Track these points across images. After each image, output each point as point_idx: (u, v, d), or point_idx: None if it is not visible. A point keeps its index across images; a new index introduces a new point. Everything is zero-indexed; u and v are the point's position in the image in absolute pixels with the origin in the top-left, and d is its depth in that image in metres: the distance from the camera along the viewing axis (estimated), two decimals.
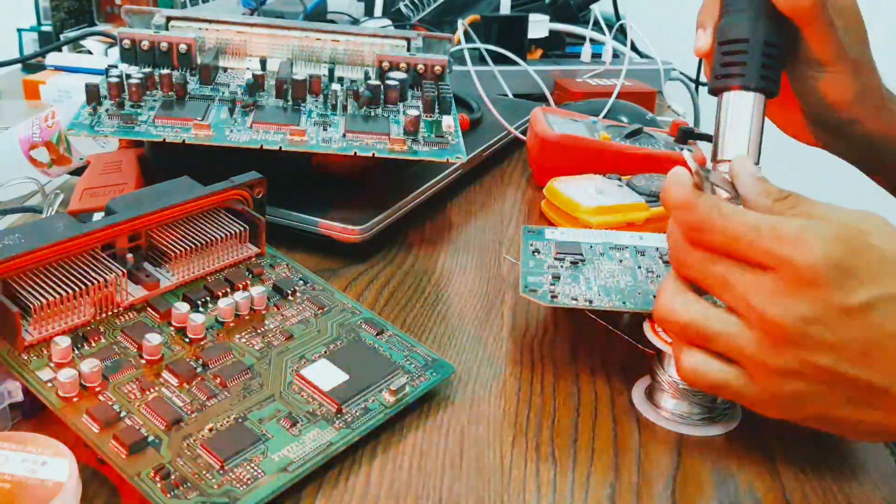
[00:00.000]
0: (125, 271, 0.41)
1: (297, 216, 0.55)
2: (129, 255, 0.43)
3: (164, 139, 0.52)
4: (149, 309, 0.42)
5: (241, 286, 0.44)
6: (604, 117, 0.77)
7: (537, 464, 0.38)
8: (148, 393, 0.37)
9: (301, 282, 0.46)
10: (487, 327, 0.50)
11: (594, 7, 1.09)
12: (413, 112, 0.55)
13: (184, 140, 0.52)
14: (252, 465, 0.35)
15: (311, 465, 0.35)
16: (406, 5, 1.14)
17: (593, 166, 0.67)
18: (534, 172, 0.72)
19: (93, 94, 0.54)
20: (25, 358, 0.37)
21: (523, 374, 0.45)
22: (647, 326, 0.42)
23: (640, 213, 0.60)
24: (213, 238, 0.45)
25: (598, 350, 0.47)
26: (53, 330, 0.39)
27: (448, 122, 0.57)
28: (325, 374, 0.40)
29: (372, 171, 0.59)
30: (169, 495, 0.33)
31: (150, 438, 0.35)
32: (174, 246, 0.43)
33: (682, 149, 0.70)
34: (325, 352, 0.42)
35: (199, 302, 0.43)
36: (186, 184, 0.47)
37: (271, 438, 0.36)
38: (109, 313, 0.41)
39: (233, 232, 0.45)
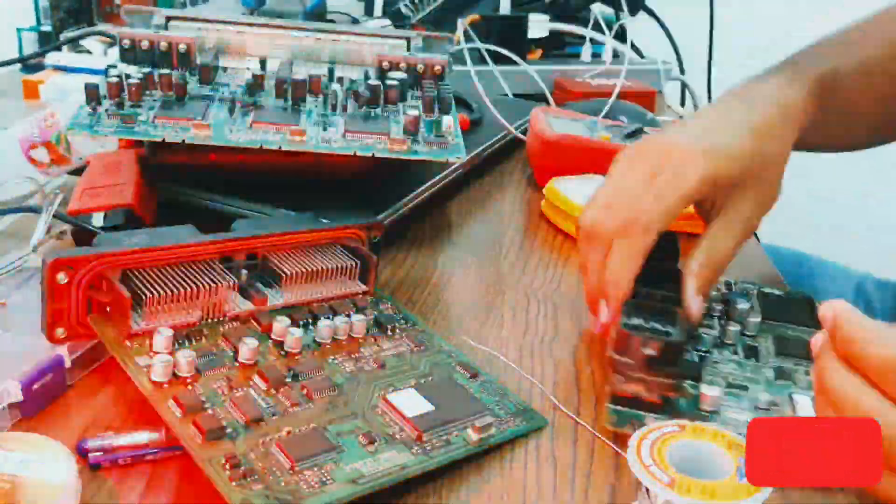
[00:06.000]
0: (237, 284, 0.43)
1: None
2: (244, 271, 0.45)
3: (164, 139, 0.52)
4: (252, 321, 0.43)
5: (344, 315, 0.45)
6: (604, 117, 0.77)
7: (537, 464, 0.38)
8: (235, 391, 0.38)
9: (403, 321, 0.47)
10: (487, 327, 0.49)
11: (594, 7, 1.09)
12: (413, 112, 0.55)
13: (183, 140, 0.52)
14: (322, 471, 0.35)
15: (382, 482, 0.35)
16: (406, 5, 1.14)
17: (593, 166, 0.67)
18: (534, 172, 0.72)
19: (92, 94, 0.54)
20: (129, 344, 0.39)
21: (523, 374, 0.45)
22: (633, 459, 0.33)
23: None
24: (325, 268, 0.46)
25: (597, 350, 0.47)
26: (161, 324, 0.40)
27: (448, 121, 0.57)
28: (411, 402, 0.40)
29: (372, 171, 0.59)
30: (234, 483, 0.33)
31: (229, 430, 0.36)
32: (287, 269, 0.45)
33: None
34: (415, 384, 0.42)
35: (300, 322, 0.44)
36: (308, 218, 0.51)
37: (346, 451, 0.36)
38: (215, 320, 0.42)
39: (344, 266, 0.47)
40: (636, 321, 0.43)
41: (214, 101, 0.57)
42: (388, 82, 0.60)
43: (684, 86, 1.07)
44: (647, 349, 0.40)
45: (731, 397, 0.43)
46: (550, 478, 0.38)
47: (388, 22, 1.13)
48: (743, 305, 0.49)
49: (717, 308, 0.51)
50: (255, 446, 0.35)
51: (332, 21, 1.15)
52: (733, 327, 0.48)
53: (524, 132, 0.76)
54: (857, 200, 1.78)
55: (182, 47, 0.60)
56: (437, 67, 0.63)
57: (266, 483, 0.34)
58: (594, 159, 0.68)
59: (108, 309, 0.40)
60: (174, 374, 0.38)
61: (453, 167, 0.65)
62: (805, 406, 0.42)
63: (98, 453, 0.36)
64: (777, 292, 0.54)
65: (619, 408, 0.41)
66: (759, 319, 0.49)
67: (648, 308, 0.44)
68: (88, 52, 0.93)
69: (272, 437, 0.36)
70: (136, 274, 0.41)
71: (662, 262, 0.47)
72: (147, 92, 0.56)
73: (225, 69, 0.63)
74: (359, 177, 0.59)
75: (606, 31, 0.99)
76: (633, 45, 1.05)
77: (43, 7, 0.99)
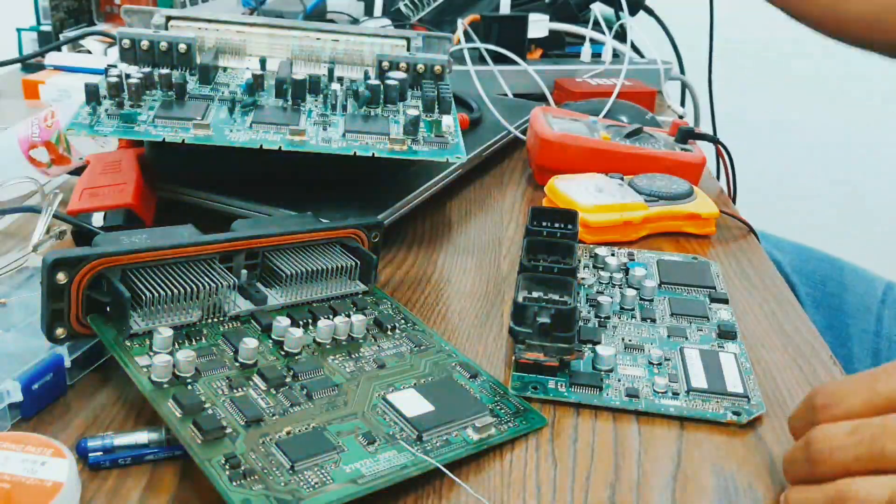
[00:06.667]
0: (237, 284, 0.44)
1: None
2: (244, 271, 0.45)
3: (164, 139, 0.52)
4: (252, 321, 0.43)
5: (343, 314, 0.45)
6: (604, 117, 0.77)
7: (537, 464, 0.38)
8: (235, 391, 0.38)
9: (402, 321, 0.47)
10: (487, 327, 0.50)
11: (594, 7, 1.09)
12: (413, 112, 0.55)
13: (183, 140, 0.52)
14: (322, 471, 0.35)
15: (382, 482, 0.35)
16: (406, 5, 1.14)
17: (593, 166, 0.67)
18: (534, 172, 0.72)
19: (92, 94, 0.54)
20: (129, 344, 0.39)
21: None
22: None
23: (637, 212, 0.61)
24: (325, 268, 0.46)
25: None
26: (160, 324, 0.40)
27: (448, 121, 0.57)
28: (411, 403, 0.40)
29: (371, 171, 0.59)
30: (234, 483, 0.33)
31: (228, 430, 0.36)
32: (287, 269, 0.45)
33: (682, 148, 0.70)
34: (415, 384, 0.42)
35: (300, 322, 0.44)
36: (308, 218, 0.50)
37: (346, 451, 0.36)
38: (214, 319, 0.43)
39: (344, 266, 0.47)
40: (534, 294, 0.46)
41: (214, 101, 0.57)
42: (388, 82, 0.60)
43: (684, 86, 1.07)
44: (542, 317, 0.43)
45: (627, 356, 0.46)
46: (550, 478, 0.38)
47: (388, 22, 1.13)
48: (640, 272, 0.54)
49: (617, 277, 0.54)
50: (255, 446, 0.35)
51: (332, 21, 1.15)
52: (631, 293, 0.51)
53: (524, 132, 0.76)
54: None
55: (182, 47, 0.60)
56: (437, 67, 0.63)
57: (266, 483, 0.34)
58: (594, 159, 0.68)
59: (108, 309, 0.40)
60: (174, 374, 0.38)
61: (453, 167, 0.65)
62: (693, 357, 0.46)
63: (98, 453, 0.36)
64: (674, 258, 0.58)
65: (521, 374, 0.44)
66: (655, 284, 0.53)
67: (545, 281, 0.47)
68: (88, 52, 0.93)
69: (272, 437, 0.36)
70: (136, 274, 0.41)
71: (562, 237, 0.51)
72: (147, 92, 0.56)
73: (225, 69, 0.63)
74: (359, 176, 0.59)
75: (606, 31, 0.99)
76: (633, 45, 1.05)
77: (43, 7, 0.99)
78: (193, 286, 0.41)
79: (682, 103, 1.08)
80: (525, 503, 0.36)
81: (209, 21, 0.63)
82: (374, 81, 0.60)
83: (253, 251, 0.45)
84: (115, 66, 0.58)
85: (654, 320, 0.50)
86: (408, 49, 0.65)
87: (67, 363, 0.40)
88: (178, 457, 0.37)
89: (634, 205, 0.61)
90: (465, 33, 0.92)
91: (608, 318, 0.50)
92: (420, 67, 0.63)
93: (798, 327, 0.51)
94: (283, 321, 0.43)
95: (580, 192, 0.61)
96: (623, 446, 0.40)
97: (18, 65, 0.94)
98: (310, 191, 0.57)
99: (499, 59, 0.90)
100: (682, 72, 1.08)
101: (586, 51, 1.01)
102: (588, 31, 1.01)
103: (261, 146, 0.52)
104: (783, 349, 0.49)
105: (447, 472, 0.36)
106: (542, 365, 0.43)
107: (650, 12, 1.12)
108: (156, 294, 0.40)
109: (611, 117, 0.78)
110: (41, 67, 0.88)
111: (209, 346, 0.41)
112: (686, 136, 0.72)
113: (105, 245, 0.41)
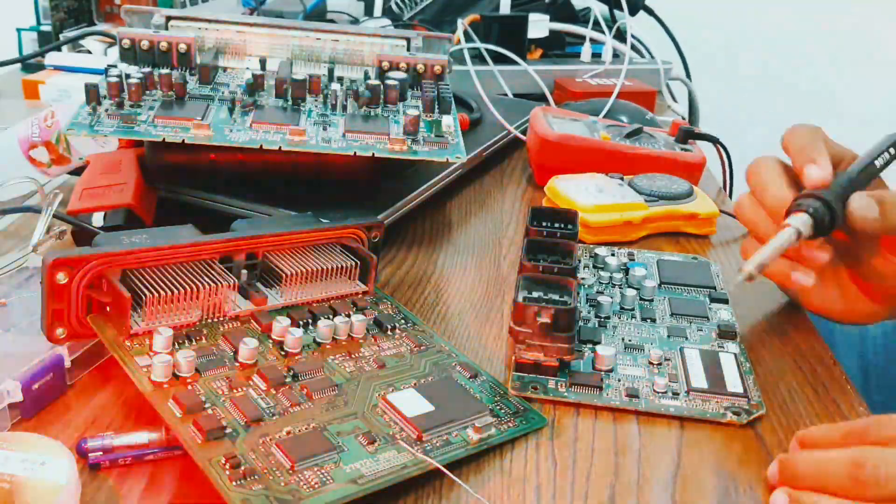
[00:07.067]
0: (237, 284, 0.44)
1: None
2: (244, 271, 0.45)
3: (164, 139, 0.52)
4: (252, 322, 0.43)
5: (343, 314, 0.45)
6: (604, 117, 0.77)
7: (537, 464, 0.38)
8: (235, 391, 0.38)
9: (402, 321, 0.47)
10: (487, 327, 0.50)
11: (594, 7, 1.09)
12: (413, 112, 0.55)
13: (183, 140, 0.52)
14: (322, 471, 0.35)
15: (382, 482, 0.35)
16: (396, 3, 1.14)
17: (593, 166, 0.67)
18: (534, 172, 0.72)
19: (92, 94, 0.54)
20: (129, 344, 0.39)
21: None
22: None
23: (637, 212, 0.61)
24: (325, 268, 0.46)
25: None
26: (161, 324, 0.40)
27: (448, 121, 0.57)
28: (411, 403, 0.40)
29: (371, 171, 0.59)
30: (234, 483, 0.33)
31: (228, 430, 0.36)
32: (287, 269, 0.45)
33: (682, 148, 0.70)
34: (415, 384, 0.42)
35: (300, 322, 0.44)
36: (308, 218, 0.50)
37: (346, 451, 0.36)
38: (215, 319, 0.43)
39: (344, 266, 0.47)
40: (534, 294, 0.46)
41: (214, 101, 0.57)
42: (388, 82, 0.60)
43: (685, 85, 1.07)
44: (542, 317, 0.43)
45: (628, 356, 0.46)
46: (550, 478, 0.38)
47: (387, 22, 1.13)
48: (640, 272, 0.54)
49: (617, 277, 0.54)
50: (255, 446, 0.35)
51: (332, 21, 1.15)
52: (631, 293, 0.52)
53: (524, 132, 0.76)
54: None
55: (182, 47, 0.60)
56: (437, 67, 0.63)
57: (266, 483, 0.34)
58: (594, 159, 0.68)
59: (108, 309, 0.40)
60: (174, 374, 0.38)
61: (453, 167, 0.65)
62: (693, 357, 0.46)
63: (98, 453, 0.36)
64: (674, 258, 0.58)
65: (521, 374, 0.44)
66: (655, 284, 0.53)
67: (545, 281, 0.47)
68: (88, 52, 0.93)
69: (272, 437, 0.36)
70: (136, 274, 0.41)
71: (562, 237, 0.51)
72: (147, 92, 0.56)
73: (225, 69, 0.63)
74: (359, 176, 0.59)
75: (606, 31, 0.99)
76: (633, 46, 1.05)
77: (43, 7, 0.99)
78: (193, 286, 0.41)
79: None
80: (525, 503, 0.36)
81: (209, 21, 0.63)
82: (374, 81, 0.59)
83: (253, 251, 0.45)
84: (115, 66, 0.58)
85: (654, 320, 0.50)
86: (408, 49, 0.65)
87: (67, 363, 0.40)
88: (177, 457, 0.37)
89: (634, 205, 0.61)
90: (465, 33, 0.92)
91: (608, 318, 0.50)
92: (420, 67, 0.63)
93: (798, 327, 0.51)
94: (283, 321, 0.43)
95: (580, 192, 0.61)
96: (623, 446, 0.40)
97: (18, 65, 0.94)
98: (310, 191, 0.57)
99: (499, 59, 0.90)
100: (688, 73, 1.08)
101: (586, 51, 1.01)
102: (588, 31, 1.01)
103: (261, 146, 0.52)
104: (783, 349, 0.49)
105: (447, 472, 0.36)
106: (542, 365, 0.43)
107: (650, 12, 1.12)
108: (156, 294, 0.40)
109: (611, 117, 0.78)
110: (41, 67, 0.88)
111: (209, 346, 0.41)
112: (686, 136, 0.72)
113: (105, 245, 0.41)
